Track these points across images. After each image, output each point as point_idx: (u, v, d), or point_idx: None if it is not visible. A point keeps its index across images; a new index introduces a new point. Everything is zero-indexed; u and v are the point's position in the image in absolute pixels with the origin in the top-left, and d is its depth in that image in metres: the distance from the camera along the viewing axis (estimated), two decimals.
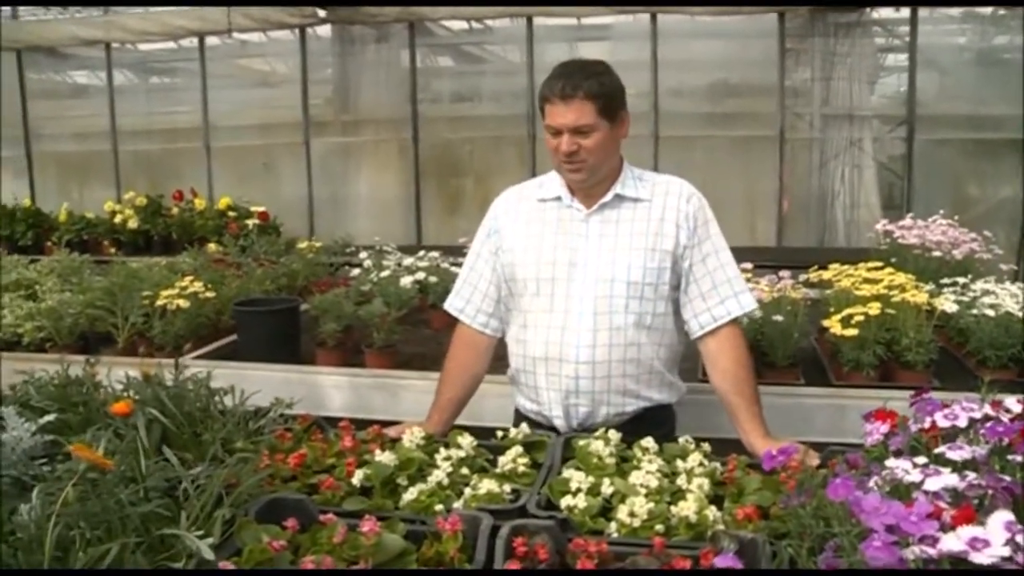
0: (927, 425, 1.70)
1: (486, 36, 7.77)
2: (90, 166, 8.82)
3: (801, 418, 2.99)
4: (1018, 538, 1.15)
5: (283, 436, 2.16)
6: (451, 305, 2.69)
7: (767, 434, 2.34)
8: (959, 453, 1.49)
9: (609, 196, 2.45)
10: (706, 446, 2.10)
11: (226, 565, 1.47)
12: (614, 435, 2.11)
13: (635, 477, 1.86)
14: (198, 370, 2.35)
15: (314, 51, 7.88)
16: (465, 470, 1.99)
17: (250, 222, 6.64)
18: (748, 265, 3.43)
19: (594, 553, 1.51)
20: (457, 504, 1.83)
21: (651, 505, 1.75)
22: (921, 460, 1.46)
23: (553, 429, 2.44)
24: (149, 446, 1.89)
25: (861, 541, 1.20)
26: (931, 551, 1.15)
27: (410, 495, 1.85)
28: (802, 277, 3.80)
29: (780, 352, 3.24)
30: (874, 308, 3.16)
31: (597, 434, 2.12)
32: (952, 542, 1.15)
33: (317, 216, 8.04)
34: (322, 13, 7.43)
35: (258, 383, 3.02)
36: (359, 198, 7.97)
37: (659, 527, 1.72)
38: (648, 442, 2.09)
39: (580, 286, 2.43)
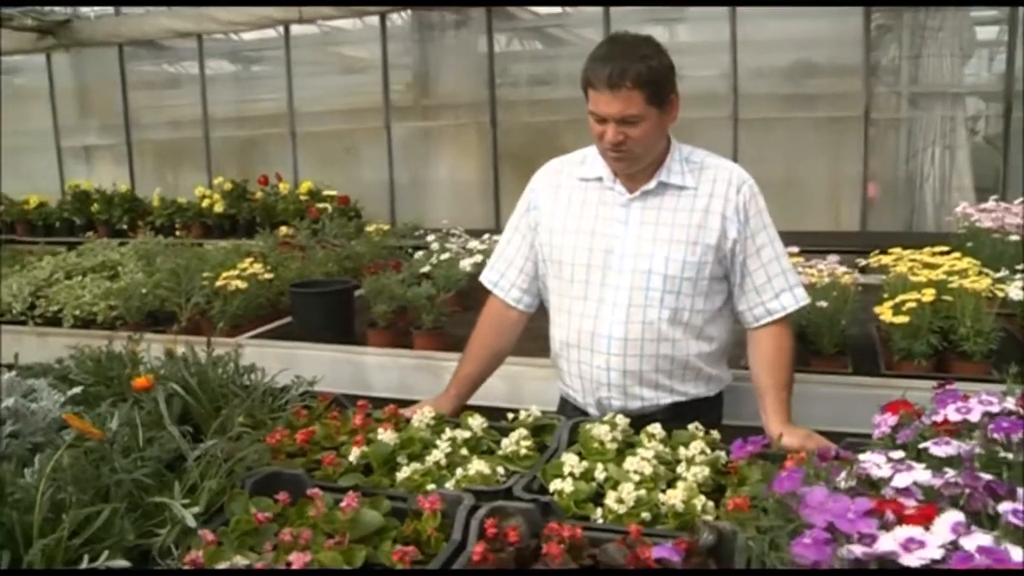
0: (940, 419, 1.64)
1: (564, 19, 7.74)
2: (184, 152, 9.17)
3: (845, 408, 2.90)
4: (962, 540, 1.10)
5: (299, 413, 2.21)
6: (485, 278, 2.65)
7: (787, 421, 2.28)
8: (944, 449, 1.44)
9: (653, 183, 2.33)
10: (715, 433, 2.06)
11: (206, 534, 1.53)
12: (621, 420, 2.08)
13: (629, 463, 1.83)
14: (228, 349, 2.43)
15: (395, 37, 7.99)
16: (466, 451, 2.00)
17: (329, 206, 6.79)
18: (794, 249, 3.36)
19: (566, 538, 1.49)
20: (449, 484, 1.85)
21: (641, 492, 1.73)
22: (897, 455, 1.42)
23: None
24: (169, 419, 1.96)
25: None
26: (865, 550, 1.11)
27: (403, 473, 1.88)
28: (861, 262, 3.68)
29: (827, 339, 3.15)
30: (928, 295, 3.05)
31: (605, 419, 2.10)
32: (887, 542, 1.11)
33: (397, 200, 8.17)
34: None
35: (308, 363, 3.14)
36: (438, 182, 8.07)
37: (645, 515, 1.69)
38: (655, 428, 2.06)
39: (616, 275, 2.35)
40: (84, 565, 1.42)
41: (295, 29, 8.27)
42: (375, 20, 7.94)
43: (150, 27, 8.90)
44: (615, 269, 2.35)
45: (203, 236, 7.18)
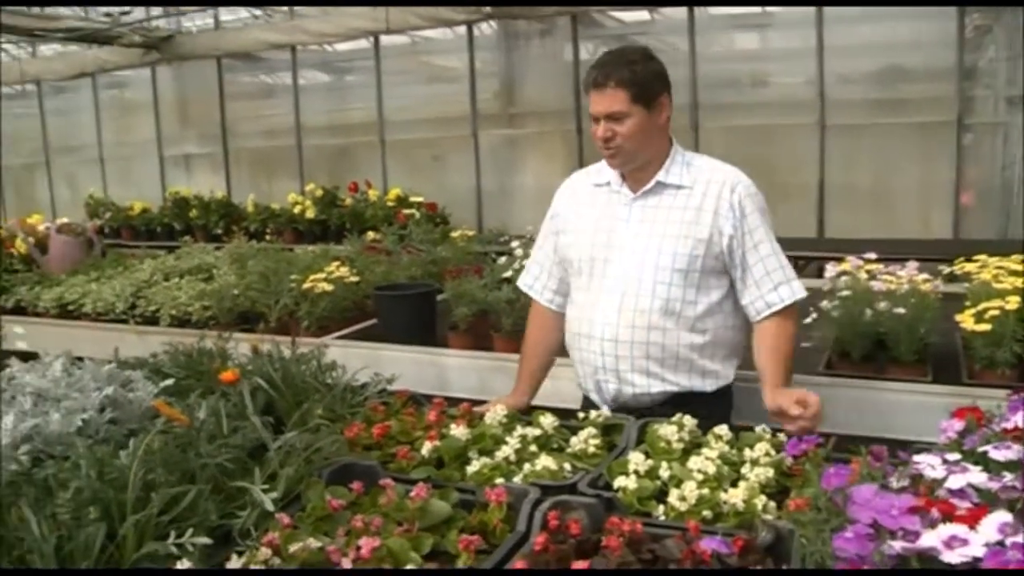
0: (1011, 425, 1.64)
1: (650, 27, 7.74)
2: (277, 160, 9.44)
3: (923, 416, 2.86)
4: (1009, 540, 1.11)
5: (376, 408, 2.30)
6: (522, 282, 2.90)
7: (783, 385, 2.42)
8: (1003, 453, 1.44)
9: (651, 183, 2.52)
10: (782, 436, 2.08)
11: (283, 518, 1.62)
12: (689, 421, 2.12)
13: (694, 462, 1.87)
14: (312, 348, 2.54)
15: (482, 46, 8.11)
16: (535, 447, 2.06)
17: (416, 212, 6.93)
18: (871, 255, 3.32)
19: (626, 532, 1.53)
20: (517, 478, 1.91)
21: (703, 491, 1.76)
22: (952, 456, 1.42)
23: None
24: (253, 410, 2.07)
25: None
26: (906, 546, 1.13)
27: (473, 467, 1.95)
28: (945, 269, 3.62)
29: (905, 347, 3.11)
30: (1013, 302, 2.99)
31: (673, 419, 2.14)
32: (929, 539, 1.13)
33: (484, 207, 8.28)
34: (487, 9, 7.62)
35: (390, 363, 3.22)
36: (524, 189, 8.14)
37: (706, 513, 1.72)
38: (721, 429, 2.09)
39: (615, 267, 2.52)
40: (171, 540, 1.52)
41: (384, 39, 8.46)
42: (462, 30, 8.07)
43: (247, 40, 9.21)
44: (615, 262, 2.53)
45: (295, 241, 7.39)
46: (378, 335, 3.87)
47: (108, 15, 9.22)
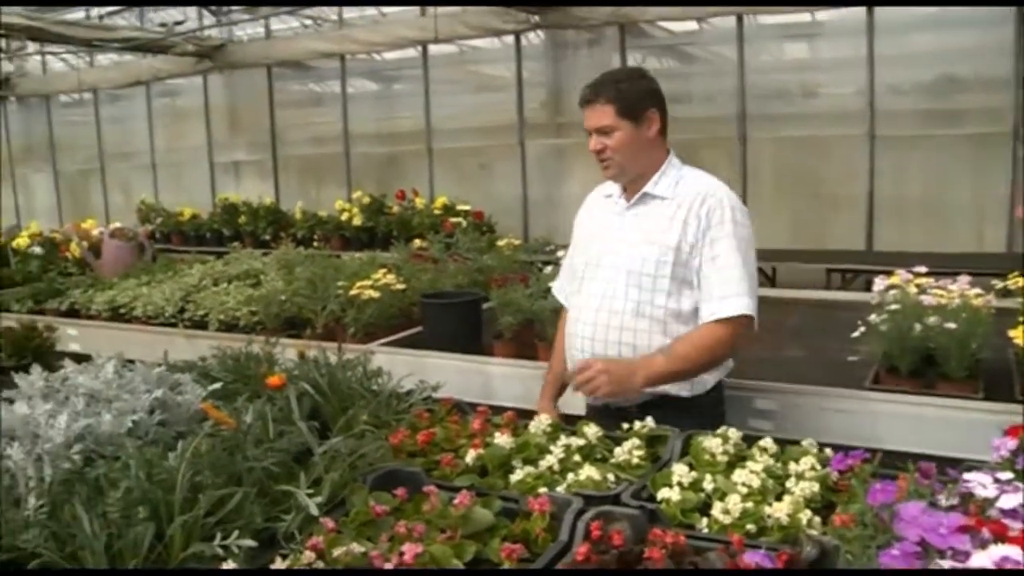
0: None
1: (698, 36, 7.72)
2: (325, 168, 9.56)
3: (973, 434, 2.81)
4: None
5: (421, 416, 2.31)
6: (554, 287, 3.09)
7: (635, 360, 2.53)
8: None
9: (639, 194, 2.66)
10: (828, 451, 2.05)
11: (327, 522, 1.63)
12: (734, 434, 2.11)
13: (738, 475, 1.85)
14: (358, 354, 2.56)
15: (529, 56, 8.15)
16: (578, 457, 2.05)
17: (463, 220, 6.96)
18: (922, 269, 3.27)
19: (668, 544, 1.52)
20: (560, 488, 1.90)
21: (747, 504, 1.74)
22: (1005, 475, 1.39)
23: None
24: (299, 416, 2.09)
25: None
26: (955, 565, 1.11)
27: (517, 476, 1.95)
28: (999, 284, 3.55)
29: (955, 362, 3.05)
30: None
31: (717, 432, 2.12)
32: (980, 559, 1.11)
33: (530, 215, 8.30)
34: (536, 18, 7.64)
35: (435, 371, 3.24)
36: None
37: (750, 526, 1.70)
38: (767, 442, 2.07)
39: (603, 271, 2.68)
40: (217, 542, 1.54)
41: (432, 48, 8.52)
42: (510, 39, 8.10)
43: (296, 49, 9.34)
44: (603, 267, 2.69)
45: (342, 248, 7.45)
46: (423, 342, 3.88)
47: (163, 25, 9.40)
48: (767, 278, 6.91)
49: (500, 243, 5.64)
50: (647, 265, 2.59)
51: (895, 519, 1.21)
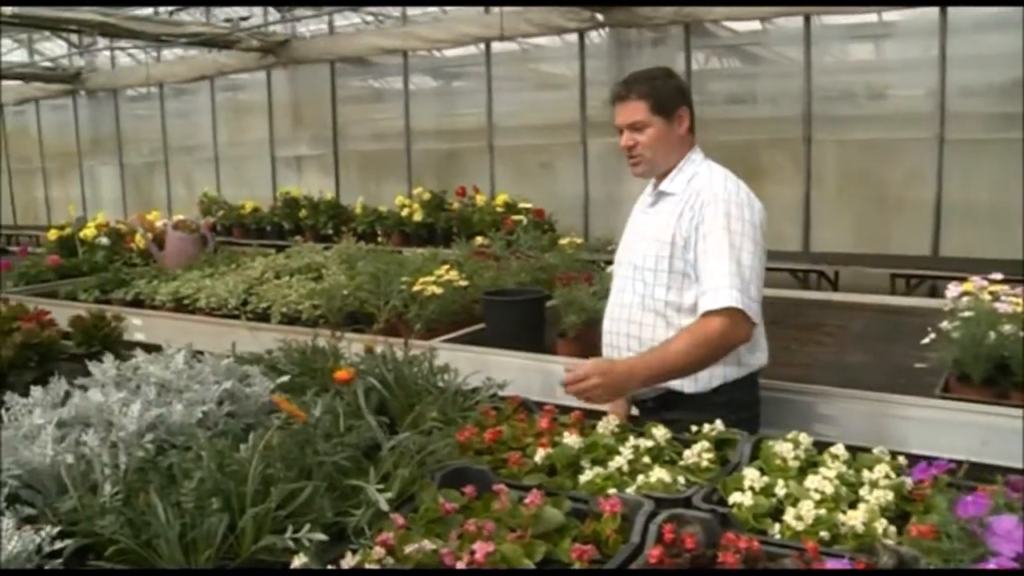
0: None
1: (763, 36, 7.62)
2: (386, 163, 9.61)
3: None
4: None
5: (488, 413, 2.30)
6: None
7: (631, 362, 2.52)
8: None
9: (657, 192, 2.73)
10: (902, 459, 2.00)
11: (397, 518, 1.63)
12: (804, 439, 2.07)
13: (811, 482, 1.82)
14: (423, 350, 2.56)
15: (592, 54, 8.10)
16: (647, 459, 2.03)
17: (524, 218, 6.95)
18: (998, 276, 3.19)
19: (742, 549, 1.50)
20: (630, 490, 1.88)
21: (820, 511, 1.71)
22: None
23: None
24: (367, 410, 2.09)
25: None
26: None
27: (586, 476, 1.93)
28: None
29: None
30: None
31: (788, 436, 2.09)
32: None
33: (591, 214, 8.26)
34: (600, 17, 7.61)
35: (498, 368, 3.22)
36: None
37: (824, 534, 1.67)
38: (838, 449, 2.03)
39: (620, 268, 2.80)
40: (288, 535, 1.55)
41: (495, 46, 8.51)
42: (573, 37, 8.07)
43: (359, 45, 9.40)
44: (623, 263, 2.79)
45: (402, 243, 7.49)
46: (485, 340, 3.87)
47: (228, 20, 9.53)
48: (829, 282, 6.81)
49: (562, 241, 5.61)
50: (648, 260, 2.65)
51: (988, 533, 1.17)
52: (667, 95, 2.63)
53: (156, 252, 6.33)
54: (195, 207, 10.11)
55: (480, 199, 7.72)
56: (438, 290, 3.99)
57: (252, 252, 6.36)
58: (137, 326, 4.91)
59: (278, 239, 8.75)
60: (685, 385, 2.61)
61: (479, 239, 5.95)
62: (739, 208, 2.57)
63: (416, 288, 4.03)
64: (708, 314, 2.49)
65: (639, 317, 2.67)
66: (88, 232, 7.03)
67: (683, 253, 2.59)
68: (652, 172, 2.71)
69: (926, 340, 3.17)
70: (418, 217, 7.72)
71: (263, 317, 4.59)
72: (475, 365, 2.72)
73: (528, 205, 7.32)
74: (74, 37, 12.04)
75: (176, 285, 5.16)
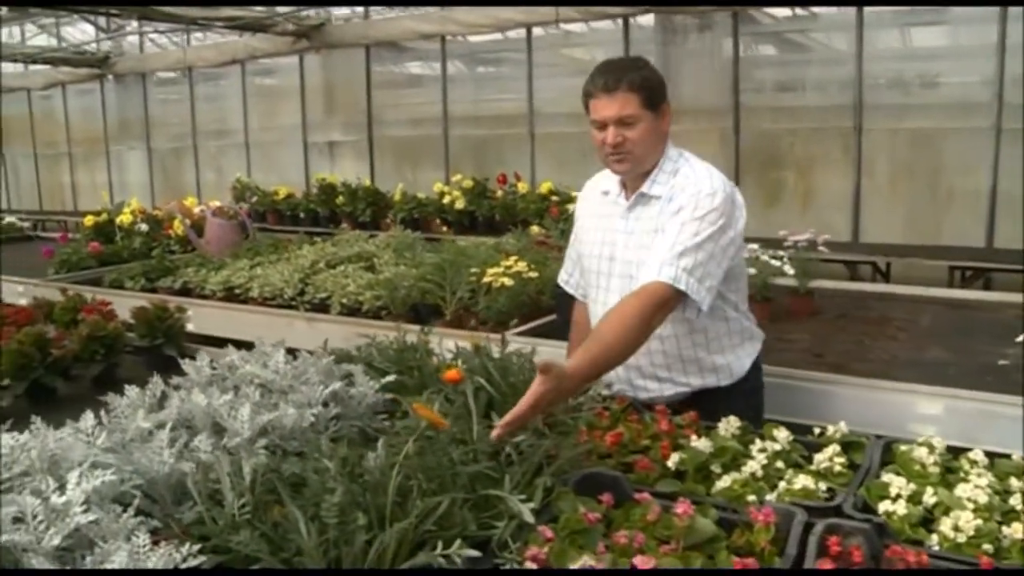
0: None
1: (811, 23, 7.49)
2: (423, 149, 9.50)
3: None
4: None
5: (601, 414, 2.21)
6: (560, 277, 2.99)
7: (577, 366, 2.08)
8: None
9: (636, 195, 2.53)
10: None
11: (545, 531, 1.54)
12: (939, 443, 1.98)
13: (962, 490, 1.74)
14: (520, 345, 2.46)
15: (636, 40, 7.95)
16: (780, 463, 1.94)
17: (570, 206, 6.84)
18: None
19: (913, 563, 1.43)
20: (770, 497, 1.81)
21: (979, 522, 1.62)
22: None
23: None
24: (476, 412, 2.00)
25: None
26: None
27: (723, 483, 1.85)
28: None
29: None
30: None
31: (921, 440, 2.00)
32: None
33: None
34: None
35: None
36: None
37: (987, 547, 1.59)
38: (977, 455, 1.94)
39: (615, 280, 2.58)
40: (439, 551, 1.45)
41: (536, 31, 8.39)
42: (616, 23, 7.94)
43: (396, 29, 9.29)
44: (612, 274, 2.60)
45: (444, 231, 7.40)
46: (556, 332, 3.78)
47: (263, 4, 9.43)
48: (880, 273, 6.70)
49: None
50: None
51: None
52: (656, 87, 2.45)
53: (196, 239, 6.26)
54: (225, 193, 10.02)
55: (522, 187, 7.62)
56: (508, 281, 3.90)
57: (297, 240, 6.27)
58: (188, 316, 4.85)
59: (312, 226, 8.68)
60: (721, 379, 2.59)
61: (535, 228, 5.85)
62: (712, 200, 2.38)
63: (486, 279, 3.93)
64: (649, 287, 2.30)
65: (659, 330, 2.42)
66: (124, 218, 6.96)
67: None
68: (636, 170, 2.50)
69: (1021, 338, 3.09)
70: (460, 204, 7.62)
71: (319, 307, 4.51)
72: (556, 359, 2.62)
73: (575, 193, 7.21)
74: (102, 21, 11.97)
75: (226, 274, 5.09)
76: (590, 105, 2.47)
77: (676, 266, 2.31)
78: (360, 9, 9.63)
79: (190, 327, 4.58)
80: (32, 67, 13.38)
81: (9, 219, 9.49)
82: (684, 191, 2.43)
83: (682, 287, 2.30)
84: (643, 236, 2.50)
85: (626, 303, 2.30)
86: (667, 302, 2.31)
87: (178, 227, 6.73)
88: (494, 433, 1.83)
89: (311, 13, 9.60)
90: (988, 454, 1.98)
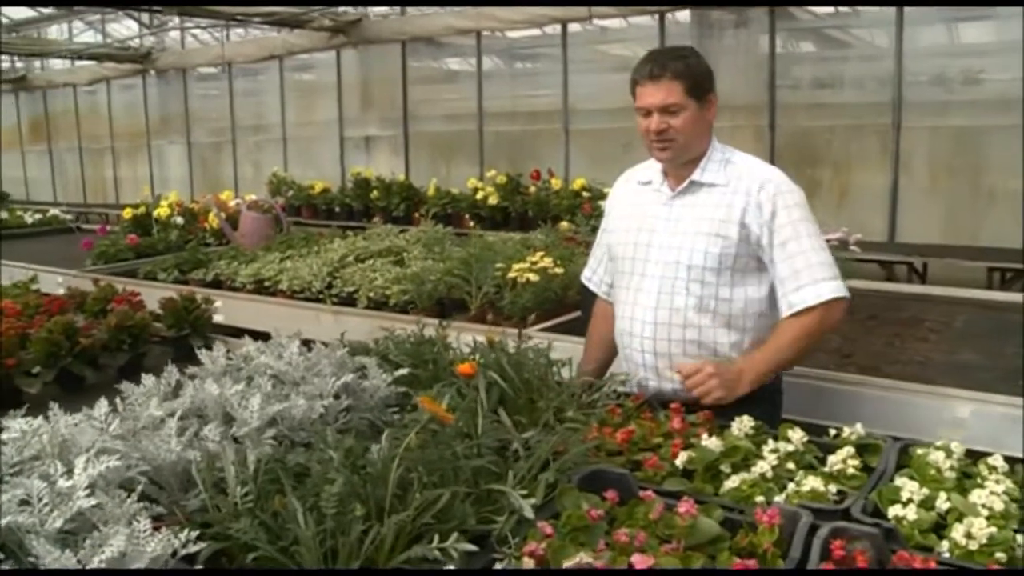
0: None
1: (849, 20, 7.39)
2: (457, 145, 9.51)
3: None
4: None
5: (614, 411, 2.20)
6: (584, 275, 3.01)
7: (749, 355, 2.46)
8: None
9: (686, 183, 2.53)
10: None
11: (545, 527, 1.53)
12: (957, 447, 1.93)
13: (976, 496, 1.69)
14: (538, 341, 2.45)
15: (673, 36, 7.90)
16: (791, 464, 1.91)
17: (603, 203, 6.82)
18: None
19: (921, 570, 1.40)
20: (779, 498, 1.77)
21: (993, 529, 1.58)
22: None
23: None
24: (487, 406, 1.99)
25: None
26: None
27: (732, 483, 1.82)
28: None
29: None
30: None
31: (938, 444, 1.95)
32: None
33: None
34: None
35: None
36: None
37: (1000, 555, 1.54)
38: (996, 460, 1.89)
39: (653, 266, 2.56)
40: (435, 544, 1.45)
41: (572, 27, 8.37)
42: (653, 19, 7.89)
43: (433, 25, 9.31)
44: (652, 261, 2.57)
45: (476, 227, 7.41)
46: (580, 328, 3.76)
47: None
48: (916, 274, 6.59)
49: None
50: (710, 259, 2.47)
51: None
52: (702, 77, 2.46)
53: (230, 232, 6.31)
54: (262, 187, 10.10)
55: (556, 183, 7.60)
56: (534, 277, 3.88)
57: (329, 234, 6.29)
58: (217, 308, 4.89)
59: (347, 220, 8.72)
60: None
61: (564, 224, 5.83)
62: (801, 195, 2.50)
63: (512, 274, 3.92)
64: (810, 308, 2.40)
65: (697, 320, 2.50)
66: (162, 211, 7.04)
67: (754, 250, 2.47)
68: (679, 159, 2.51)
69: None
70: (493, 200, 7.62)
71: (346, 301, 4.52)
72: (572, 355, 2.60)
73: (607, 190, 7.18)
74: (144, 17, 12.13)
75: (257, 267, 5.12)
76: (636, 92, 2.50)
77: (828, 281, 2.42)
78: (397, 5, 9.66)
79: (219, 319, 4.64)
80: (78, 63, 13.61)
81: (53, 212, 9.65)
82: (763, 189, 2.46)
83: (844, 293, 2.43)
84: (694, 223, 2.50)
85: (796, 320, 2.42)
86: (827, 315, 2.43)
87: (213, 220, 6.80)
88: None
89: (348, 9, 9.64)
90: (1013, 460, 1.94)
